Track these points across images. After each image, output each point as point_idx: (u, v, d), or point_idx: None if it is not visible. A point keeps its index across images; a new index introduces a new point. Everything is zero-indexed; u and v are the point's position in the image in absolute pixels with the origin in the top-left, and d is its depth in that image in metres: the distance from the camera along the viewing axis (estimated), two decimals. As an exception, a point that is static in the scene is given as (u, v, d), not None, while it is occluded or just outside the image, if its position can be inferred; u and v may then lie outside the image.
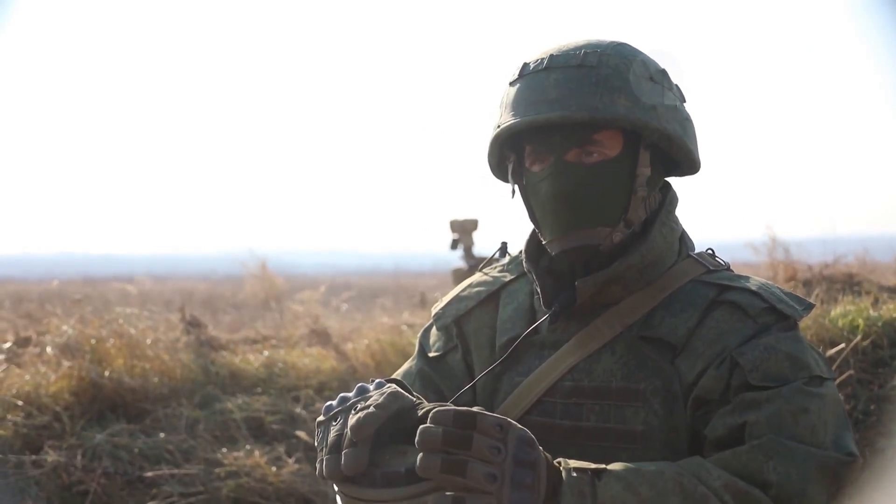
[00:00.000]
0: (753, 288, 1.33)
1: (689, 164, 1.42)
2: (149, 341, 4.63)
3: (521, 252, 1.50)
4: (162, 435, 4.02)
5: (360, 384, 1.21)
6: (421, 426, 1.09)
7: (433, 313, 1.56)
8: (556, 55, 1.35)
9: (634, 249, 1.36)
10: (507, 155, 1.42)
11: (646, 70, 1.36)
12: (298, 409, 4.45)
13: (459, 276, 6.56)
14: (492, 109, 1.44)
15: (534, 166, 1.38)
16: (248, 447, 4.02)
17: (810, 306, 1.34)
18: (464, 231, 7.08)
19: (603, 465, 1.16)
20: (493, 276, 1.54)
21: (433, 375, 1.49)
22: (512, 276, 1.52)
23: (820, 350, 1.36)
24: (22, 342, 5.08)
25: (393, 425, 1.15)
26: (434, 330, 1.55)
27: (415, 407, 1.18)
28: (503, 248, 1.61)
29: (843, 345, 3.59)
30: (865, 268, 5.05)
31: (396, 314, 6.83)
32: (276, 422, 4.33)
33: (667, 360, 1.32)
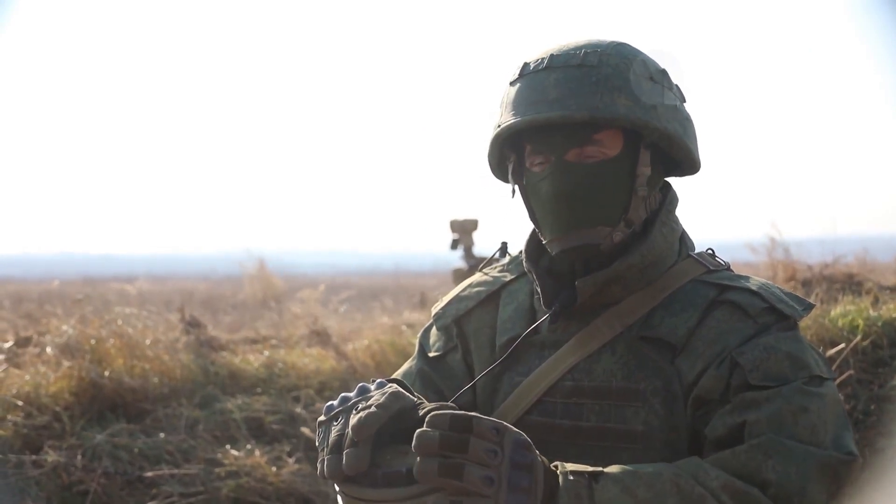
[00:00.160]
0: (753, 288, 1.33)
1: (689, 164, 1.42)
2: (149, 341, 4.63)
3: (521, 252, 1.50)
4: (162, 435, 4.02)
5: (361, 384, 1.22)
6: (418, 430, 1.09)
7: (433, 313, 1.56)
8: (557, 55, 1.35)
9: (635, 249, 1.36)
10: (508, 155, 1.42)
11: (646, 70, 1.36)
12: (298, 409, 4.44)
13: (459, 276, 6.56)
14: (492, 109, 1.44)
15: (534, 166, 1.38)
16: (248, 447, 4.02)
17: (810, 306, 1.35)
18: (464, 231, 7.08)
19: (600, 468, 1.16)
20: (493, 276, 1.54)
21: (433, 375, 1.49)
22: (512, 276, 1.52)
23: (820, 350, 1.36)
24: (22, 342, 5.08)
25: (394, 425, 1.15)
26: (434, 330, 1.55)
27: (416, 407, 1.18)
28: (503, 248, 1.61)
29: (842, 345, 3.58)
30: (865, 268, 5.05)
31: (396, 314, 6.83)
32: (276, 422, 4.33)
33: (667, 359, 1.32)
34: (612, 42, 1.37)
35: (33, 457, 3.70)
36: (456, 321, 1.51)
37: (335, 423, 1.18)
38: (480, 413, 1.43)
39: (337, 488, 1.17)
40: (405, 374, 1.52)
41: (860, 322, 3.71)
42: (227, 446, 4.02)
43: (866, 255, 5.27)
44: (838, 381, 3.40)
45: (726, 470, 1.19)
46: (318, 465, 1.18)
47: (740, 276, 1.38)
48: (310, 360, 5.07)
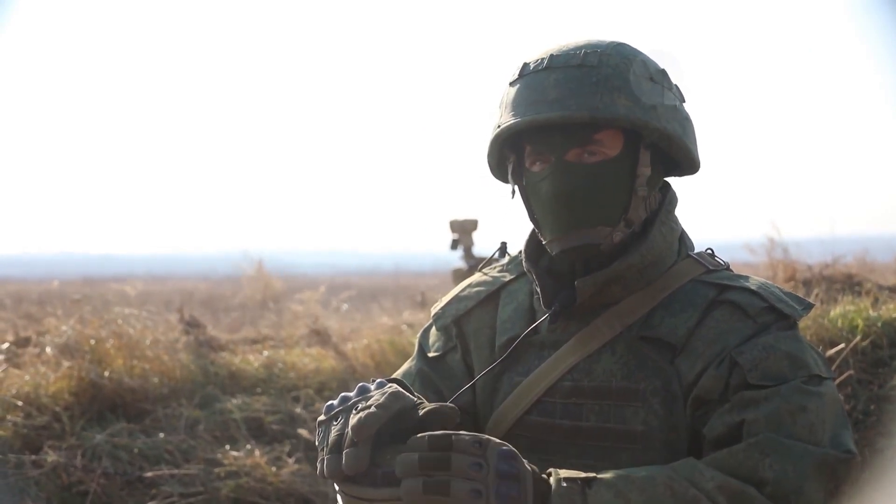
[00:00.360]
0: (753, 287, 1.33)
1: (688, 164, 1.42)
2: (148, 341, 4.63)
3: (520, 252, 1.50)
4: (162, 435, 4.02)
5: (361, 384, 1.22)
6: (398, 455, 1.10)
7: (433, 313, 1.56)
8: (557, 55, 1.35)
9: (634, 249, 1.36)
10: (507, 155, 1.42)
11: (646, 70, 1.36)
12: (298, 410, 4.44)
13: (459, 276, 6.56)
14: (492, 109, 1.44)
15: (534, 166, 1.38)
16: (247, 447, 4.02)
17: (810, 306, 1.35)
18: (464, 231, 7.08)
19: (593, 474, 1.16)
20: (492, 276, 1.54)
21: (433, 376, 1.49)
22: (511, 276, 1.52)
23: (819, 350, 1.36)
24: (21, 342, 5.08)
25: (394, 425, 1.15)
26: (434, 330, 1.55)
27: (416, 407, 1.18)
28: (503, 249, 1.61)
29: (842, 345, 3.58)
30: (865, 268, 5.05)
31: (396, 314, 6.83)
32: (276, 422, 4.33)
33: (666, 359, 1.32)
34: (612, 42, 1.37)
35: (33, 457, 3.70)
36: (455, 321, 1.51)
37: (335, 423, 1.18)
38: (481, 413, 1.43)
39: (336, 488, 1.17)
40: (405, 375, 1.52)
41: (860, 322, 3.71)
42: (227, 446, 4.02)
43: (866, 255, 5.27)
44: (838, 381, 3.39)
45: (724, 469, 1.19)
46: (318, 465, 1.18)
47: (740, 276, 1.38)
48: (309, 360, 5.07)
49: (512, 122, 1.34)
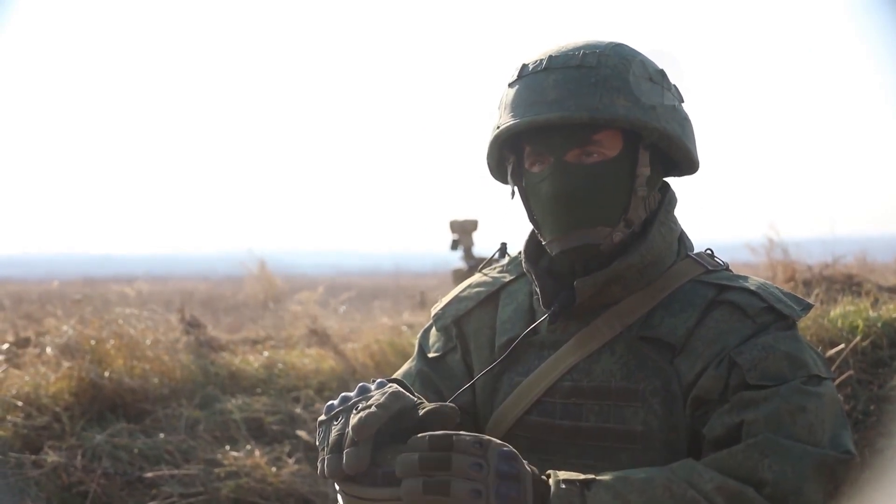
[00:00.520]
0: (752, 288, 1.34)
1: (687, 164, 1.42)
2: (149, 342, 4.63)
3: (520, 253, 1.50)
4: (162, 435, 4.02)
5: (361, 384, 1.22)
6: (399, 455, 1.11)
7: (433, 314, 1.56)
8: (555, 56, 1.35)
9: (634, 249, 1.36)
10: (507, 156, 1.42)
11: (645, 70, 1.36)
12: (298, 410, 4.45)
13: (459, 276, 6.56)
14: (491, 110, 1.44)
15: (533, 167, 1.38)
16: (247, 447, 4.02)
17: (809, 306, 1.35)
18: (464, 231, 7.08)
19: (592, 476, 1.17)
20: (492, 277, 1.55)
21: (433, 376, 1.50)
22: (511, 277, 1.52)
23: (819, 350, 1.36)
24: (22, 342, 5.08)
25: (394, 425, 1.16)
26: (434, 330, 1.55)
27: (416, 407, 1.18)
28: (503, 249, 1.61)
29: (842, 345, 3.58)
30: (865, 268, 5.05)
31: (396, 315, 6.83)
32: (276, 422, 4.33)
33: (666, 360, 1.32)
34: (611, 43, 1.37)
35: (33, 457, 3.70)
36: (455, 322, 1.52)
37: (335, 423, 1.18)
38: (481, 413, 1.43)
39: (337, 487, 1.17)
40: (405, 375, 1.52)
41: (860, 322, 3.71)
42: (227, 447, 4.02)
43: (866, 255, 5.28)
44: (838, 381, 3.40)
45: (723, 470, 1.19)
46: (319, 465, 1.18)
47: (739, 276, 1.39)
48: (309, 360, 5.07)
49: (511, 123, 1.34)
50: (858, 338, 3.63)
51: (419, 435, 1.12)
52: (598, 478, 1.17)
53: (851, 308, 3.86)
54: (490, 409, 1.43)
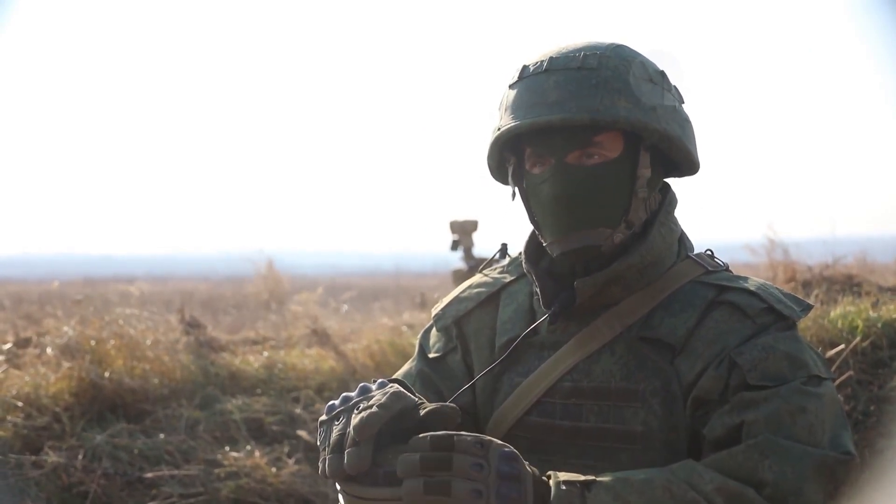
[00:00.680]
0: (752, 288, 1.34)
1: (688, 165, 1.42)
2: (149, 342, 4.64)
3: (520, 253, 1.50)
4: (162, 436, 4.02)
5: (362, 384, 1.22)
6: (400, 456, 1.11)
7: (433, 314, 1.56)
8: (556, 57, 1.35)
9: (634, 250, 1.36)
10: (507, 157, 1.42)
11: (645, 71, 1.36)
12: (298, 410, 4.45)
13: (459, 276, 6.56)
14: (491, 111, 1.44)
15: (534, 168, 1.38)
16: (248, 448, 4.02)
17: (809, 307, 1.35)
18: (464, 232, 7.08)
19: (593, 477, 1.17)
20: (493, 278, 1.55)
21: (433, 376, 1.50)
22: (512, 278, 1.52)
23: (819, 351, 1.36)
24: (22, 343, 5.08)
25: (395, 425, 1.16)
26: (434, 331, 1.55)
27: (417, 407, 1.18)
28: (503, 250, 1.61)
29: (842, 346, 3.59)
30: (865, 269, 5.05)
31: (396, 315, 6.83)
32: (276, 422, 4.33)
33: (666, 360, 1.32)
34: (611, 44, 1.37)
35: (33, 458, 3.70)
36: (456, 322, 1.52)
37: (337, 423, 1.18)
38: (481, 414, 1.44)
39: (338, 487, 1.17)
40: (405, 375, 1.53)
41: (860, 323, 3.72)
42: (227, 447, 4.03)
43: (866, 256, 5.28)
44: (838, 382, 3.40)
45: (723, 471, 1.20)
46: (320, 465, 1.18)
47: (739, 277, 1.39)
48: (309, 360, 5.07)
49: (512, 124, 1.34)
50: (858, 338, 3.63)
51: (420, 435, 1.12)
52: (598, 479, 1.17)
53: (851, 309, 3.86)
54: (490, 410, 1.43)
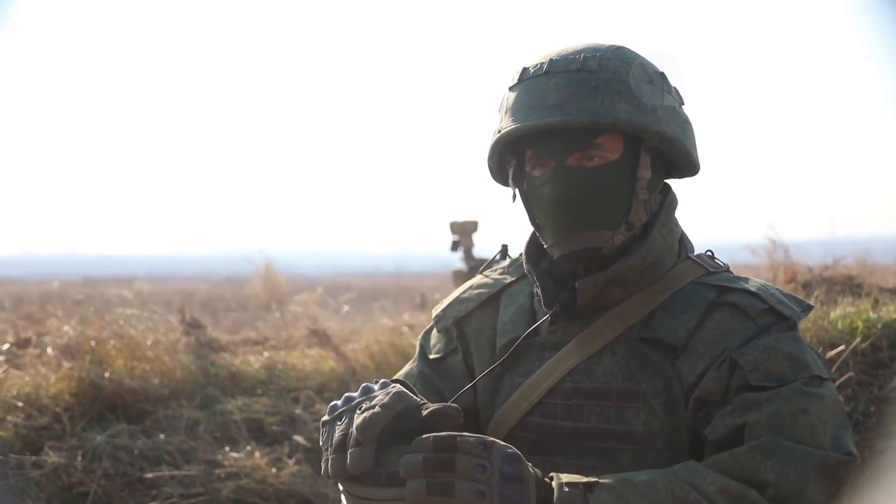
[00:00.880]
0: (752, 289, 1.34)
1: (688, 166, 1.42)
2: (149, 342, 4.64)
3: (521, 254, 1.50)
4: (162, 436, 4.02)
5: (364, 384, 1.22)
6: (403, 457, 1.11)
7: (434, 315, 1.56)
8: (556, 60, 1.35)
9: (634, 251, 1.36)
10: (508, 159, 1.42)
11: (645, 73, 1.36)
12: (298, 411, 4.45)
13: (460, 277, 6.56)
14: (492, 113, 1.44)
15: (534, 170, 1.38)
16: (248, 448, 4.02)
17: (809, 308, 1.35)
18: (464, 233, 7.08)
19: (595, 478, 1.17)
20: (493, 278, 1.55)
21: (434, 377, 1.50)
22: (512, 279, 1.52)
23: (819, 352, 1.36)
24: (22, 343, 5.09)
25: (397, 425, 1.16)
26: (434, 332, 1.55)
27: (419, 407, 1.18)
28: (504, 251, 1.61)
29: (842, 346, 3.59)
30: (865, 269, 5.06)
31: (396, 315, 6.83)
32: (276, 423, 4.33)
33: (667, 361, 1.32)
34: (611, 46, 1.37)
35: (33, 458, 3.70)
36: (456, 323, 1.52)
37: (339, 423, 1.18)
38: (482, 415, 1.44)
39: (340, 487, 1.17)
40: (406, 376, 1.53)
41: (860, 324, 3.72)
42: (227, 448, 4.03)
43: (866, 256, 5.28)
44: (838, 382, 3.40)
45: (725, 472, 1.20)
46: (322, 465, 1.18)
47: (739, 278, 1.39)
48: (309, 361, 5.07)
49: (512, 127, 1.34)
50: (858, 339, 3.63)
51: (423, 436, 1.12)
52: (600, 480, 1.17)
53: (851, 309, 3.87)
54: (491, 411, 1.43)
